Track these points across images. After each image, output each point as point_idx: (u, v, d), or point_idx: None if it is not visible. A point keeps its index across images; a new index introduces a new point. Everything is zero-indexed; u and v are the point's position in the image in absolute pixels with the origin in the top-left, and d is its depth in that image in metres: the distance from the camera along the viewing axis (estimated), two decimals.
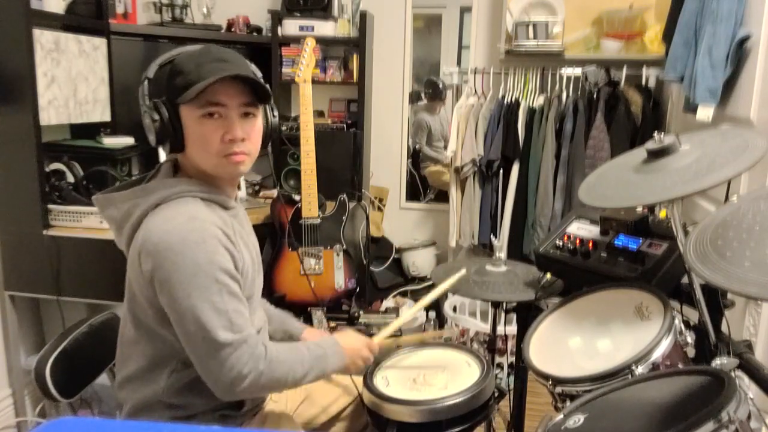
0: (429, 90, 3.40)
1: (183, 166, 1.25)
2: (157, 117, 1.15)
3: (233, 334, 1.11)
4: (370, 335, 1.44)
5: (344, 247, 2.71)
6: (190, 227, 1.11)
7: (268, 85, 1.21)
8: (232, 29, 3.20)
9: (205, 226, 1.13)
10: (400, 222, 3.50)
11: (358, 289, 2.82)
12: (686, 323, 1.12)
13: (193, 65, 1.15)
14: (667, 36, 2.25)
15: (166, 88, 1.16)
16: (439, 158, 3.45)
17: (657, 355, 1.02)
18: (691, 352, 1.09)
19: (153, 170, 1.27)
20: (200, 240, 1.11)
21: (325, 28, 3.02)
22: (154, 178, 1.24)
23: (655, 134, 1.13)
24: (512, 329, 2.29)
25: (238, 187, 2.91)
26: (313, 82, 2.69)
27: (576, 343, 1.17)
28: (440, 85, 3.35)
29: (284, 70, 3.10)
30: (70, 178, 2.41)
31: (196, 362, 1.14)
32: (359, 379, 1.41)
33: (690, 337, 1.08)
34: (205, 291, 1.10)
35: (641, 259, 1.27)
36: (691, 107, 1.97)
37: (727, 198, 1.13)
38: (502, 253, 1.72)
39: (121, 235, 1.20)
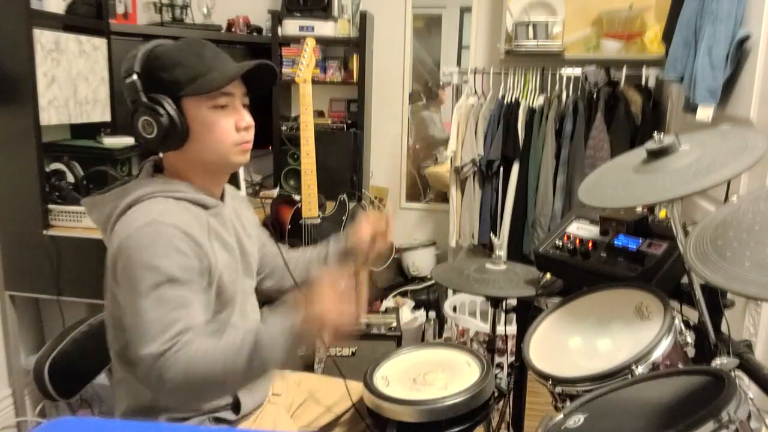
0: (433, 87, 3.40)
1: (166, 166, 1.24)
2: (163, 112, 1.12)
3: (161, 344, 1.04)
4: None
5: None
6: (145, 231, 1.09)
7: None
8: (232, 29, 3.20)
9: (160, 229, 1.09)
10: (400, 222, 3.50)
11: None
12: (686, 323, 1.12)
13: (191, 57, 1.15)
14: (667, 36, 2.25)
15: (163, 82, 1.13)
16: (436, 155, 3.45)
17: (657, 355, 1.02)
18: (690, 352, 1.09)
19: (138, 171, 1.26)
20: (149, 244, 1.07)
21: (325, 28, 3.02)
22: (136, 179, 1.23)
23: (655, 134, 1.13)
24: (512, 329, 2.29)
25: (238, 187, 2.93)
26: (313, 82, 2.68)
27: (576, 343, 1.17)
28: (429, 83, 3.37)
29: (284, 70, 3.10)
30: (70, 178, 2.41)
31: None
32: (359, 384, 1.40)
33: (690, 337, 1.08)
34: (142, 297, 1.06)
35: (641, 259, 1.27)
36: (691, 107, 1.97)
37: (727, 198, 1.13)
38: (502, 251, 1.72)
39: (107, 237, 1.19)
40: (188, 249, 1.11)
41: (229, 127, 1.18)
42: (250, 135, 1.22)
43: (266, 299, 1.45)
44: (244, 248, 1.31)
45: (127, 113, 1.17)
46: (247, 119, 1.21)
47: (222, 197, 1.29)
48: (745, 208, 0.91)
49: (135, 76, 1.14)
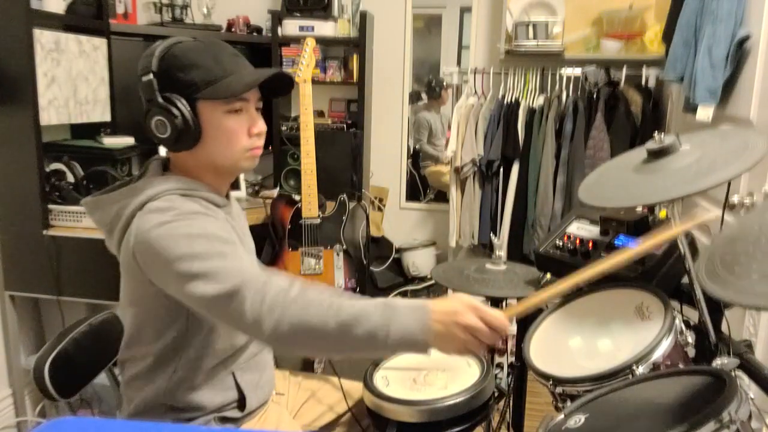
0: (436, 87, 3.40)
1: (175, 164, 1.23)
2: (177, 113, 1.12)
3: (219, 284, 1.03)
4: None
5: (344, 247, 2.71)
6: (179, 217, 1.09)
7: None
8: (232, 29, 3.20)
9: (195, 215, 1.11)
10: (400, 222, 3.50)
11: (358, 289, 2.82)
12: (686, 323, 1.12)
13: (209, 59, 1.14)
14: (667, 36, 2.25)
15: (179, 83, 1.13)
16: (438, 156, 3.46)
17: (658, 355, 1.02)
18: (691, 352, 1.09)
19: (141, 170, 1.25)
20: (188, 223, 1.09)
21: (325, 28, 3.02)
22: (143, 178, 1.22)
23: (656, 134, 1.13)
24: (512, 329, 2.29)
25: (237, 187, 2.93)
26: (313, 82, 2.68)
27: (576, 343, 1.17)
28: (433, 83, 3.36)
29: (284, 70, 3.10)
30: (71, 178, 2.41)
31: (218, 323, 1.14)
32: (360, 384, 1.40)
33: (690, 337, 1.08)
34: (190, 245, 1.06)
35: (641, 259, 1.27)
36: (691, 107, 1.97)
37: (726, 199, 1.13)
38: (502, 252, 1.72)
39: (112, 238, 1.18)
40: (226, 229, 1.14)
41: (241, 132, 1.18)
42: (261, 141, 1.22)
43: None
44: (250, 248, 1.34)
45: (141, 111, 1.16)
46: (260, 126, 1.21)
47: (227, 197, 1.31)
48: (753, 220, 0.91)
49: (151, 75, 1.13)
